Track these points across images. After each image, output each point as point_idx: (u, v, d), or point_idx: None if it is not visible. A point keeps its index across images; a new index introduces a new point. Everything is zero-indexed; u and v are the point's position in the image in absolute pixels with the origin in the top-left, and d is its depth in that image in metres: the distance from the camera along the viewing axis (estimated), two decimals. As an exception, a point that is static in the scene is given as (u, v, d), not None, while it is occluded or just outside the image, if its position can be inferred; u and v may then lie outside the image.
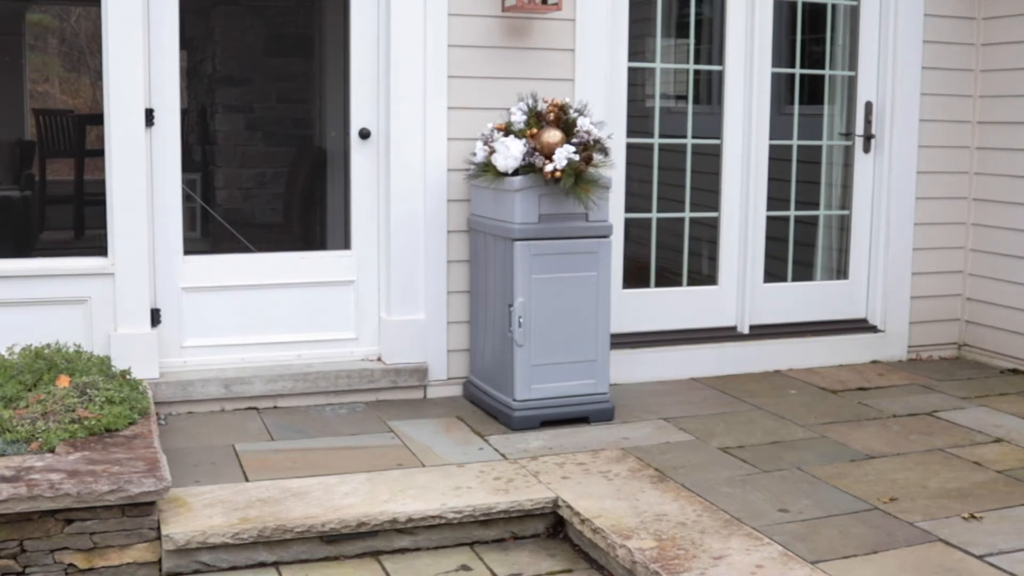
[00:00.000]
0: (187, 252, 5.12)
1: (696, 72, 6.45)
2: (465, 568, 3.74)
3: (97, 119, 5.32)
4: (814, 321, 6.13)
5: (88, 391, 4.17)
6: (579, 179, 4.68)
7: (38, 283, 4.84)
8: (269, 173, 7.76)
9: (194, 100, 8.09)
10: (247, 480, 4.11)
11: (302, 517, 3.75)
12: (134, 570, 3.62)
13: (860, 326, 6.23)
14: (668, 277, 5.99)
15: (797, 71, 6.20)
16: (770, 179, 5.95)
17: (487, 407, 5.05)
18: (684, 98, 6.29)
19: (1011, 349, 6.08)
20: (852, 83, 6.17)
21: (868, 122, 6.12)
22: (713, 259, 6.00)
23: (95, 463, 3.70)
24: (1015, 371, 6.02)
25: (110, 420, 4.06)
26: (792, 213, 6.13)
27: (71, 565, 3.56)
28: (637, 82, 6.30)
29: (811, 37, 6.32)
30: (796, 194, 6.12)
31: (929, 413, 5.19)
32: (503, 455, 4.48)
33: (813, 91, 6.29)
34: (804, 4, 6.13)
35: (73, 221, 7.70)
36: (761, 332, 5.98)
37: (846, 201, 6.24)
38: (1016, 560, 3.49)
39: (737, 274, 5.93)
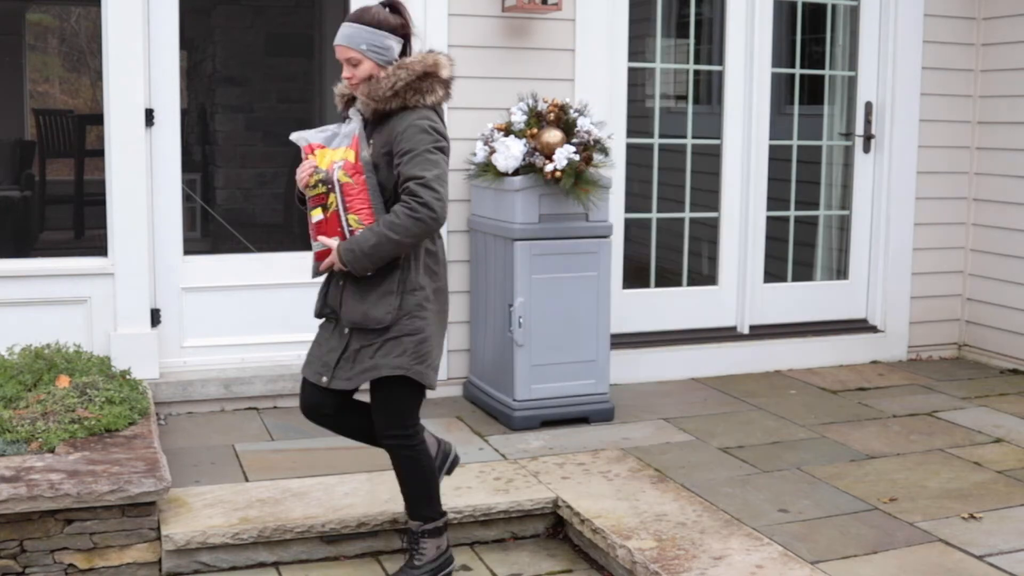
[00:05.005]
0: (187, 252, 5.12)
1: (696, 72, 6.45)
2: (465, 568, 3.74)
3: (97, 119, 5.32)
4: (814, 321, 6.13)
5: (88, 391, 4.17)
6: (579, 179, 4.69)
7: (38, 283, 4.84)
8: (269, 173, 7.77)
9: (194, 100, 8.09)
10: (247, 480, 4.11)
11: (302, 517, 3.75)
12: (134, 570, 3.62)
13: (860, 326, 6.22)
14: (668, 277, 5.98)
15: (797, 71, 6.19)
16: (770, 179, 5.94)
17: (487, 407, 5.05)
18: (684, 98, 6.29)
19: (1011, 349, 6.08)
20: (852, 83, 6.17)
21: (868, 122, 6.12)
22: (713, 259, 6.00)
23: (95, 463, 3.70)
24: (1015, 371, 6.02)
25: (110, 420, 4.06)
26: (792, 213, 6.13)
27: (71, 565, 3.56)
28: (637, 82, 6.30)
29: (811, 37, 6.31)
30: (796, 194, 6.11)
31: (929, 413, 5.19)
32: (503, 455, 4.47)
33: (813, 91, 6.28)
34: (804, 4, 6.13)
35: (73, 221, 7.70)
36: (761, 332, 5.98)
37: (846, 201, 6.24)
38: (1016, 560, 3.49)
39: (737, 274, 5.92)
